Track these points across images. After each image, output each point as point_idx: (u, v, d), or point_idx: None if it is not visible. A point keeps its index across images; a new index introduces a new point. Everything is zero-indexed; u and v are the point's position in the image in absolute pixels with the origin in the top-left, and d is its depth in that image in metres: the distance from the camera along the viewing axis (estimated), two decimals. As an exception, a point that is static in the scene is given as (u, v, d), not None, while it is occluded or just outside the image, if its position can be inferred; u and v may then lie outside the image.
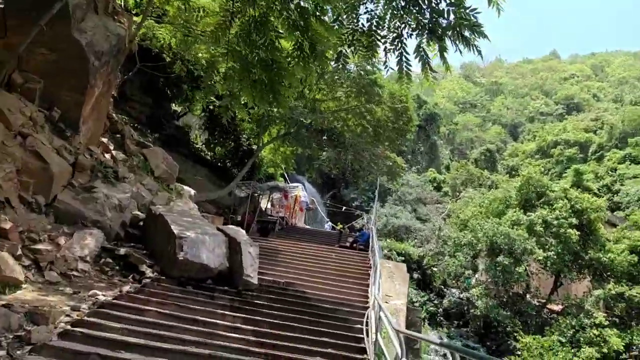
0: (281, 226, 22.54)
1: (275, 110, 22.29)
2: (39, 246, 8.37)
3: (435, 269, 26.98)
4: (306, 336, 8.45)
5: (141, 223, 11.88)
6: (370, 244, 17.26)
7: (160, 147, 16.68)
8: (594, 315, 20.58)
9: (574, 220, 23.27)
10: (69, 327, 6.35)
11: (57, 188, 10.10)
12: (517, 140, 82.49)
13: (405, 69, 8.53)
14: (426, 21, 8.06)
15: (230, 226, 12.90)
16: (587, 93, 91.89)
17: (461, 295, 26.05)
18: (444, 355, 20.18)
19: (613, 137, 61.99)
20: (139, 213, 12.10)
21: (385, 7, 8.15)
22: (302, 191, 29.25)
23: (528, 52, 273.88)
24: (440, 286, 27.38)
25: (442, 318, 24.95)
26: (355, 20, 8.54)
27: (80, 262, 8.72)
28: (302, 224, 30.47)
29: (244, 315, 8.81)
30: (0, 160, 8.94)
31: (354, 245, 19.50)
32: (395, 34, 8.42)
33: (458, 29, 7.81)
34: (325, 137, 24.29)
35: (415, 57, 8.48)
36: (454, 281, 26.16)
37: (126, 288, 8.50)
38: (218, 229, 11.67)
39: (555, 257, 22.22)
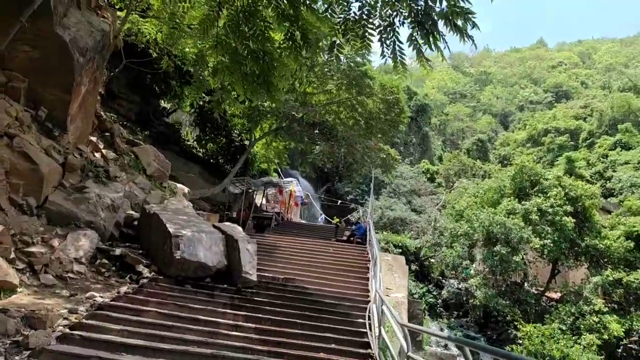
0: (277, 222, 22.41)
1: (267, 104, 22.09)
2: (33, 249, 8.15)
3: (432, 261, 26.97)
4: (308, 332, 8.33)
5: (135, 222, 11.68)
6: (368, 237, 17.16)
7: (151, 145, 16.42)
8: (593, 302, 20.59)
9: (569, 208, 23.28)
10: (67, 330, 6.19)
11: (47, 189, 9.86)
12: (507, 129, 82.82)
13: (399, 58, 8.35)
14: (419, 8, 7.87)
15: (227, 223, 12.73)
16: (575, 80, 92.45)
17: (460, 286, 26.06)
18: (445, 346, 20.20)
19: (603, 124, 62.40)
20: (132, 212, 11.88)
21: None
22: (297, 186, 29.12)
23: (515, 41, 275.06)
24: (439, 277, 27.39)
25: (441, 309, 24.95)
26: (347, 9, 8.34)
27: (75, 263, 8.50)
28: (298, 218, 30.37)
29: (245, 313, 8.66)
30: (-13, 162, 8.68)
31: (351, 239, 19.40)
32: (387, 22, 8.23)
33: (450, 17, 7.62)
34: (317, 131, 24.06)
35: (409, 46, 8.31)
36: (452, 272, 26.15)
37: (124, 289, 8.32)
38: (214, 227, 11.49)
39: (551, 245, 22.21)
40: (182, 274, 9.69)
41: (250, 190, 22.18)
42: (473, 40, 8.04)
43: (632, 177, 46.44)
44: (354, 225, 21.92)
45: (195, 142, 26.64)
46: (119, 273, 9.23)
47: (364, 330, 9.04)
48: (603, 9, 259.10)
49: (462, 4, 7.55)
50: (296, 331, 8.23)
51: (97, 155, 12.77)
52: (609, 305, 21.65)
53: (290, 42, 8.37)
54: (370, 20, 8.32)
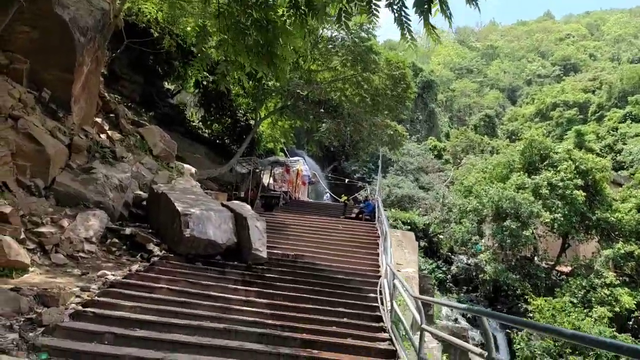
0: (285, 200, 22.35)
1: (271, 83, 21.79)
2: (42, 229, 8.14)
3: (441, 237, 26.85)
4: (320, 307, 8.31)
5: (144, 202, 11.65)
6: (377, 213, 17.09)
7: (156, 126, 16.31)
8: (604, 275, 20.44)
9: (579, 181, 22.98)
10: (80, 307, 6.19)
11: (54, 170, 9.81)
12: (515, 104, 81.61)
13: (406, 25, 8.09)
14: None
15: (235, 202, 12.68)
16: (583, 53, 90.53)
17: (469, 261, 26.02)
18: (455, 319, 20.26)
19: (612, 97, 61.26)
20: (141, 192, 11.85)
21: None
22: (304, 165, 28.98)
23: (522, 14, 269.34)
24: (448, 253, 27.33)
25: (451, 284, 24.94)
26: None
27: (86, 243, 8.49)
28: (306, 197, 30.31)
29: (256, 289, 8.65)
30: (-7, 143, 8.62)
31: (360, 216, 19.35)
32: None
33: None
34: (323, 109, 23.72)
35: (415, 12, 8.04)
36: (461, 248, 26.06)
37: (135, 267, 8.32)
38: (223, 205, 11.45)
39: (562, 219, 21.99)
40: (192, 251, 9.69)
41: (258, 170, 22.07)
42: (478, 6, 7.77)
43: (642, 150, 45.78)
44: (362, 203, 21.83)
45: (200, 123, 26.47)
46: (129, 252, 9.23)
47: (376, 304, 9.03)
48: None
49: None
50: (308, 306, 8.21)
51: (103, 136, 12.68)
52: (620, 278, 21.54)
53: (295, 10, 8.11)
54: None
